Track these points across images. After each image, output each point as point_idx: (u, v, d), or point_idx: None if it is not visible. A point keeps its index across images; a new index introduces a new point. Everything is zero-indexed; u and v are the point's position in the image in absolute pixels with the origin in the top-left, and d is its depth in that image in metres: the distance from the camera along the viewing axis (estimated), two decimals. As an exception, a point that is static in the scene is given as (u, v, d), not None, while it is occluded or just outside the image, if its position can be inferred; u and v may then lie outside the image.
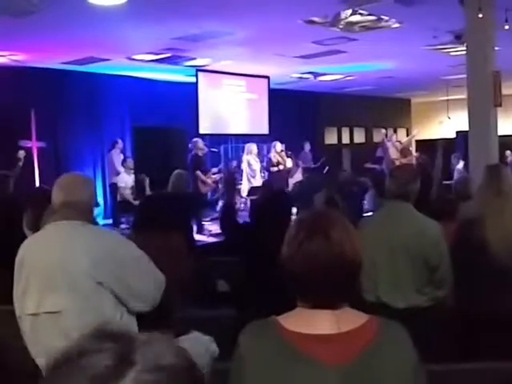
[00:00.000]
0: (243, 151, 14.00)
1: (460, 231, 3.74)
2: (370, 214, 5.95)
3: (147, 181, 9.97)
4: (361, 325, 1.64)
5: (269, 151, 13.80)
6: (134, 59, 11.44)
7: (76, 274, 2.63)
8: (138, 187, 10.82)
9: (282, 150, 13.41)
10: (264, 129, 14.61)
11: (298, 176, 13.67)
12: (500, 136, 6.81)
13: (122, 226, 11.10)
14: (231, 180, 11.14)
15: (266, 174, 13.33)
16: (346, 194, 6.89)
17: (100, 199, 12.61)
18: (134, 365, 0.79)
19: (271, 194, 5.05)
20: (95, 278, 2.62)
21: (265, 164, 13.51)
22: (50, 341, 2.58)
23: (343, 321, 1.63)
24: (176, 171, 7.10)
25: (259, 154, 13.77)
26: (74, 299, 2.61)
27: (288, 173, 13.51)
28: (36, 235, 2.87)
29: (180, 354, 0.84)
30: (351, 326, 1.63)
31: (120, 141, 12.69)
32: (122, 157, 12.23)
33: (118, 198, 11.66)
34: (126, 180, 11.52)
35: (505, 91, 6.80)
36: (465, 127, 6.95)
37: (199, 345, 2.66)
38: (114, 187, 11.92)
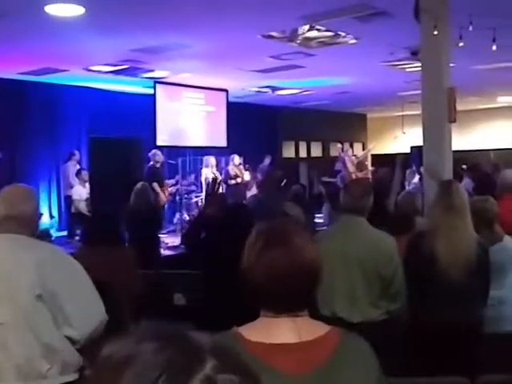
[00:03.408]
0: (201, 164, 13.98)
1: (410, 244, 3.78)
2: (324, 227, 5.99)
3: None
4: (322, 335, 1.65)
5: (227, 164, 13.80)
6: (91, 70, 11.34)
7: (17, 287, 2.62)
8: (92, 199, 10.69)
9: (240, 163, 13.43)
10: (222, 142, 14.61)
11: (255, 189, 13.70)
12: (454, 151, 6.92)
13: (77, 238, 10.95)
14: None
15: (224, 186, 13.32)
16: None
17: (55, 211, 12.44)
18: (206, 362, 0.74)
19: (230, 208, 5.04)
20: (35, 290, 2.60)
21: (223, 177, 13.50)
22: None
23: (304, 330, 1.63)
24: (137, 186, 7.02)
25: (217, 167, 13.76)
26: (13, 312, 2.61)
27: (246, 186, 13.53)
28: None
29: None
30: (313, 335, 1.63)
31: (77, 152, 12.56)
32: (78, 168, 12.10)
33: (73, 210, 11.50)
34: (81, 192, 11.37)
35: (459, 107, 6.92)
36: (419, 142, 7.03)
37: None
38: (69, 199, 11.77)
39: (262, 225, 1.80)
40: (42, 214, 3.00)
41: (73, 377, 2.72)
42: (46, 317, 2.65)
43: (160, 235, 10.45)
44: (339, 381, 1.60)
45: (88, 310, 2.77)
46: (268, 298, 1.67)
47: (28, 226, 2.84)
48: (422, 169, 6.71)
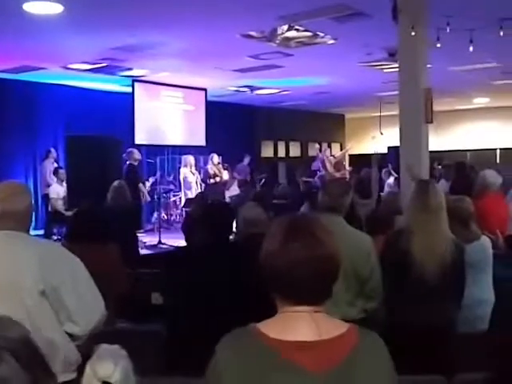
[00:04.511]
0: (180, 162, 13.96)
1: (387, 242, 3.82)
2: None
3: None
4: (342, 333, 1.66)
5: (205, 163, 13.80)
6: (69, 68, 11.27)
7: (20, 285, 2.61)
8: (70, 198, 10.61)
9: (218, 163, 13.44)
10: (201, 140, 14.59)
11: (234, 188, 13.71)
12: (431, 152, 6.99)
13: (54, 237, 10.86)
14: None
15: (203, 185, 13.31)
16: (276, 207, 6.92)
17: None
18: None
19: (211, 206, 5.01)
20: (38, 287, 2.60)
21: (201, 176, 13.49)
22: None
23: (324, 328, 1.64)
24: (115, 183, 6.97)
25: (196, 166, 13.75)
26: (17, 310, 2.56)
27: (224, 185, 13.53)
28: None
29: (22, 330, 0.93)
30: (332, 333, 1.64)
31: (53, 150, 12.46)
32: (55, 166, 12.00)
33: (50, 208, 11.42)
34: (58, 191, 11.28)
35: (436, 108, 6.99)
36: (396, 142, 7.09)
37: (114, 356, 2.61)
38: (46, 198, 11.68)
39: (284, 216, 1.82)
40: (33, 209, 2.98)
41: (72, 375, 2.69)
42: (49, 313, 2.64)
43: (138, 234, 10.46)
44: (358, 378, 1.61)
45: (90, 306, 2.76)
46: (288, 289, 1.68)
47: (24, 222, 2.83)
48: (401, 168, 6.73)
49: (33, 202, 3.01)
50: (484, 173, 6.34)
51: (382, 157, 15.10)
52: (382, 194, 10.50)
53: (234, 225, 4.44)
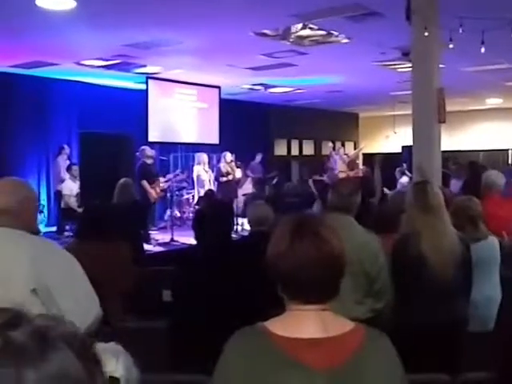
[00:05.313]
0: (193, 160, 13.98)
1: (396, 247, 3.80)
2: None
3: None
4: (348, 330, 1.68)
5: (219, 161, 13.80)
6: (83, 64, 11.32)
7: (11, 283, 2.56)
8: (82, 195, 10.65)
9: (231, 161, 13.44)
10: (214, 138, 14.60)
11: (247, 186, 13.72)
12: (443, 151, 6.98)
13: (66, 233, 10.92)
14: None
15: (216, 183, 13.32)
16: (288, 205, 6.92)
17: (44, 206, 12.36)
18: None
19: (214, 205, 5.04)
20: (29, 285, 2.56)
21: (214, 174, 13.50)
22: None
23: (331, 325, 1.66)
24: (120, 181, 7.00)
25: (209, 164, 13.77)
26: None
27: (237, 183, 13.54)
28: None
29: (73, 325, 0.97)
30: (339, 331, 1.66)
31: (66, 146, 12.50)
32: (68, 163, 12.05)
33: (63, 205, 11.45)
34: (71, 187, 11.33)
35: (449, 108, 6.97)
36: (410, 142, 7.08)
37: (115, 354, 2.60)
38: (59, 194, 11.71)
39: (291, 216, 1.83)
40: (38, 207, 2.92)
41: None
42: (41, 312, 2.61)
43: (150, 231, 10.50)
44: (366, 376, 1.63)
45: (83, 306, 2.71)
46: (295, 289, 1.70)
47: (20, 219, 2.75)
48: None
49: (33, 197, 2.95)
50: (487, 174, 6.26)
51: (384, 157, 15.05)
52: (387, 192, 10.51)
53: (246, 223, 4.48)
